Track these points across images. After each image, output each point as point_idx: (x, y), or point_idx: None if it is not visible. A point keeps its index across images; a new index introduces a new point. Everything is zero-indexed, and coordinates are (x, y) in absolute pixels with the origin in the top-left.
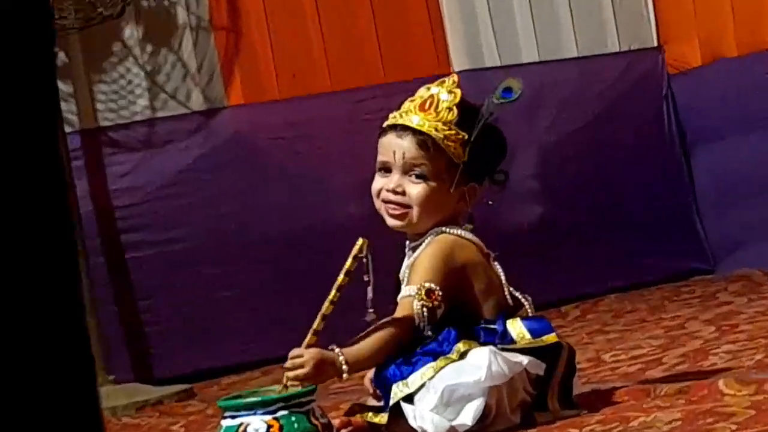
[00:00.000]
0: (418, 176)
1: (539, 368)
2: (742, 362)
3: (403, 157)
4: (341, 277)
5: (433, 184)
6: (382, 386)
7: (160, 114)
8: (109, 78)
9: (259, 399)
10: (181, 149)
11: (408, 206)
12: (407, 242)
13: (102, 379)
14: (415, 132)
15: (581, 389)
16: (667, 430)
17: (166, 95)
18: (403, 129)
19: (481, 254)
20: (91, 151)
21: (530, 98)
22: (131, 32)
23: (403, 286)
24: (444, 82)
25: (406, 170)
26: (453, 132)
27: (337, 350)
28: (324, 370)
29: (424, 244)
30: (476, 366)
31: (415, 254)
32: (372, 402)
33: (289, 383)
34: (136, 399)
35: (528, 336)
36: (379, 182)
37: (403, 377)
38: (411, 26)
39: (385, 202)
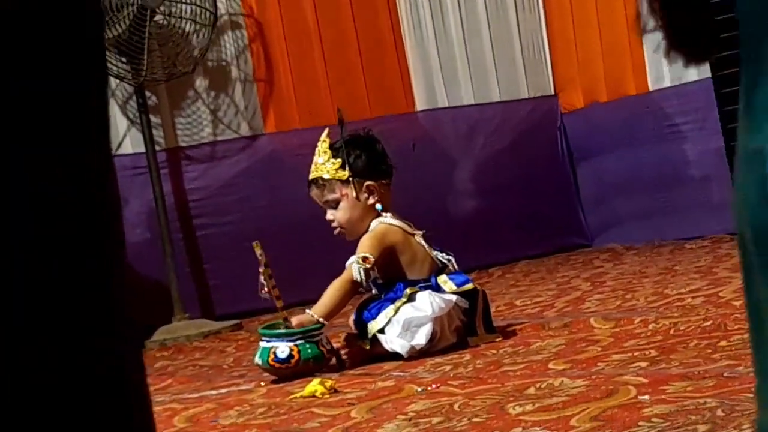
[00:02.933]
0: (332, 207)
1: (464, 303)
2: (607, 306)
3: (320, 201)
4: (262, 269)
5: (343, 204)
6: (360, 325)
7: (219, 138)
8: (186, 114)
9: (285, 331)
10: (233, 162)
11: (341, 227)
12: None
13: (180, 316)
14: (312, 182)
15: (499, 323)
16: (555, 351)
17: (224, 125)
18: (309, 185)
19: (405, 234)
20: (173, 163)
21: (468, 129)
22: (200, 83)
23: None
24: (321, 136)
25: (327, 207)
26: (330, 165)
27: (310, 312)
28: (305, 326)
29: (368, 232)
30: (424, 304)
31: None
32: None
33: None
34: (203, 329)
35: (454, 287)
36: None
37: (374, 317)
38: (388, 76)
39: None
